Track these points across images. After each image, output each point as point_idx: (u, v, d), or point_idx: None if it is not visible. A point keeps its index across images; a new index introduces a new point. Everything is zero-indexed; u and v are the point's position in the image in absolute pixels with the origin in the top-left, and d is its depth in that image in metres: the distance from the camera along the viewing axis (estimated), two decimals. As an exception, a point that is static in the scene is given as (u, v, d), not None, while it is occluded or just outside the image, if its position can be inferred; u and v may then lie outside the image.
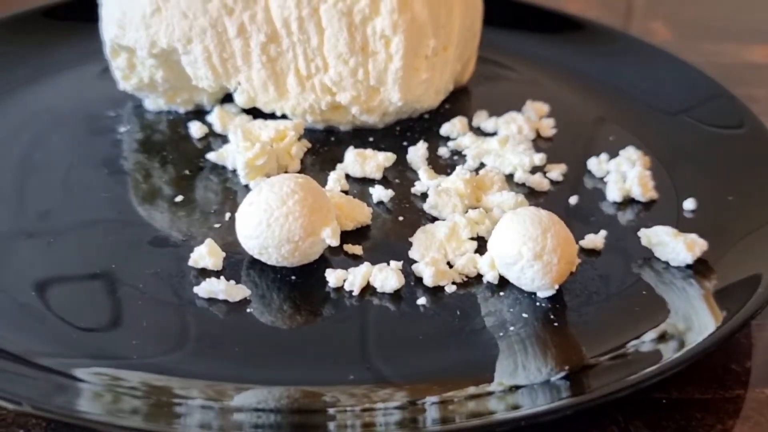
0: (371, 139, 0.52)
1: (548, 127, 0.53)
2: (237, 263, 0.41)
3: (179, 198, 0.46)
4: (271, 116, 0.51)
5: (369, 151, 0.49)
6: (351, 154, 0.48)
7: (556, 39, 0.63)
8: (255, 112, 0.52)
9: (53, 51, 0.59)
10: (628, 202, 0.48)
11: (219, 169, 0.48)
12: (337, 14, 0.48)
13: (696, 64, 0.59)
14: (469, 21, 0.54)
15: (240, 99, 0.50)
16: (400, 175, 0.49)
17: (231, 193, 0.47)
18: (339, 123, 0.52)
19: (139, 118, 0.53)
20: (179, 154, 0.50)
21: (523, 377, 0.36)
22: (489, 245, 0.41)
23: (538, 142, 0.53)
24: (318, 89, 0.49)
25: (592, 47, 0.62)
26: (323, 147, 0.51)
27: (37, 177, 0.47)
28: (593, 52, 0.62)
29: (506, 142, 0.50)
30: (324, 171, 0.48)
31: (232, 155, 0.48)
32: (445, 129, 0.52)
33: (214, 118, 0.51)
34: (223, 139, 0.51)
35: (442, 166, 0.49)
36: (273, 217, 0.39)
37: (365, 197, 0.46)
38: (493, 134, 0.53)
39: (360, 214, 0.44)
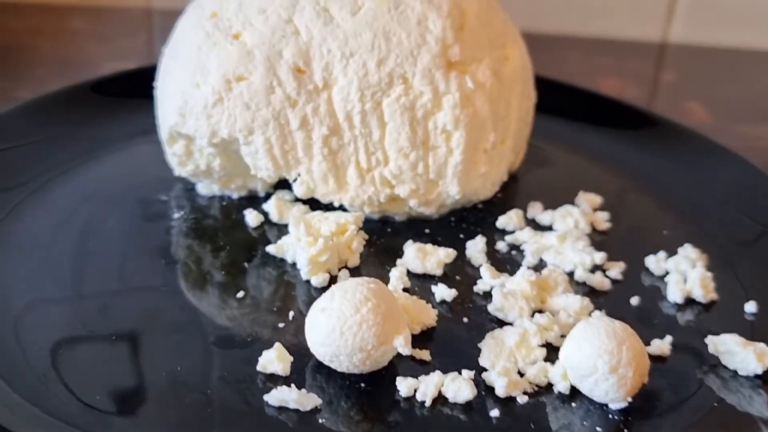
0: (427, 230, 0.51)
1: (603, 221, 0.53)
2: (303, 366, 0.40)
3: (240, 294, 0.45)
4: (327, 206, 0.51)
5: (429, 247, 0.48)
6: (411, 249, 0.48)
7: (602, 127, 0.64)
8: (311, 201, 0.51)
9: (101, 127, 0.58)
10: (689, 302, 0.47)
11: (277, 261, 0.48)
12: (399, 108, 0.48)
13: (735, 149, 0.59)
14: (524, 112, 0.54)
15: (299, 190, 0.50)
16: (460, 272, 0.48)
17: (292, 287, 0.46)
18: (395, 213, 0.51)
19: (191, 203, 0.53)
20: (234, 243, 0.49)
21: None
22: (561, 355, 0.40)
23: (594, 235, 0.52)
24: (378, 182, 0.49)
25: (639, 136, 0.62)
26: (380, 239, 0.50)
27: (93, 268, 0.46)
28: (642, 142, 0.62)
29: (565, 239, 0.50)
30: (383, 265, 0.48)
31: (291, 248, 0.47)
32: (502, 222, 0.52)
33: (271, 207, 0.51)
34: (279, 228, 0.50)
35: (501, 261, 0.49)
36: (346, 325, 0.38)
37: (426, 294, 0.46)
38: (549, 227, 0.52)
39: (426, 316, 0.43)
